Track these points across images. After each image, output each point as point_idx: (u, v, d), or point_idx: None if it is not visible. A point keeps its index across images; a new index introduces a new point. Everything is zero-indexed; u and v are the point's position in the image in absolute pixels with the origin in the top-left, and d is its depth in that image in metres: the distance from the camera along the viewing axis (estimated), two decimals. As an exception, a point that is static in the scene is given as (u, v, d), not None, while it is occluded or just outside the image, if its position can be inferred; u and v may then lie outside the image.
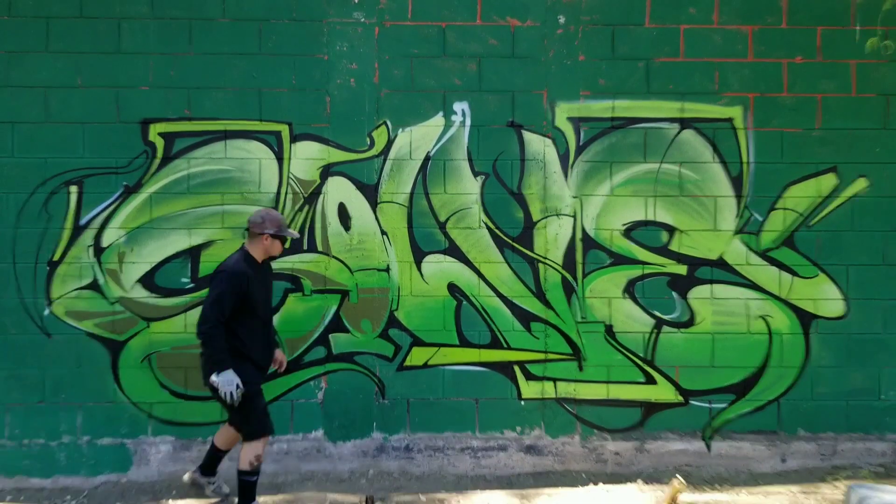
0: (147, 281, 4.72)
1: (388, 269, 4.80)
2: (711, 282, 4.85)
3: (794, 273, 4.86)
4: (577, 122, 4.84)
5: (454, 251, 4.82)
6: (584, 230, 4.85)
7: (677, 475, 4.41)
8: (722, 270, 4.85)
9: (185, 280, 4.74)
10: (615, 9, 4.83)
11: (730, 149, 4.85)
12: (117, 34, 4.70)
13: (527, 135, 4.84)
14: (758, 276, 4.86)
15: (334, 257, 4.80)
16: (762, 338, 4.87)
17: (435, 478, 4.78)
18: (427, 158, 4.81)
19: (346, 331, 4.80)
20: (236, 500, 4.13)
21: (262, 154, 4.75)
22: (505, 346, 4.85)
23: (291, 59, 4.76)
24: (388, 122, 4.80)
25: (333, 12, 4.78)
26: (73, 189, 4.68)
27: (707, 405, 4.86)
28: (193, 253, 4.74)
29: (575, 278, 4.85)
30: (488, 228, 4.83)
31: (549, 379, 4.85)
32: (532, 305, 4.85)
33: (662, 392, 4.85)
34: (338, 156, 4.79)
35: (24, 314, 4.68)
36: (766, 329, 4.87)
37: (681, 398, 4.85)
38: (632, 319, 4.85)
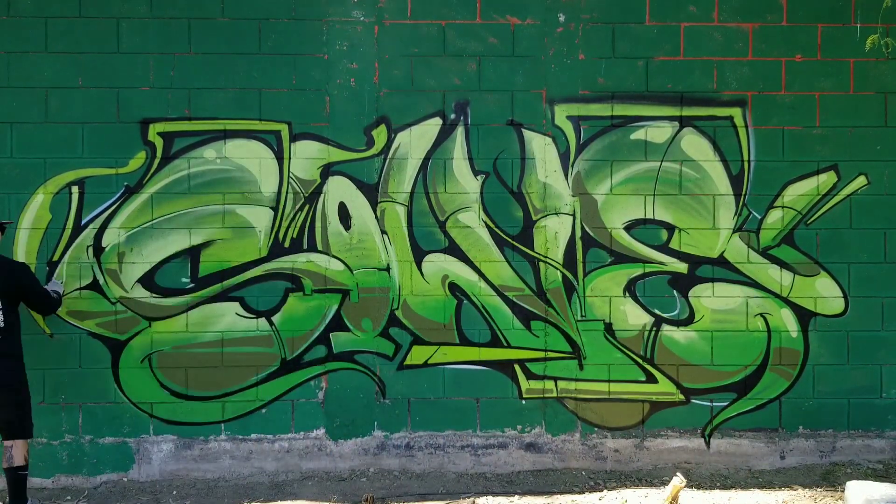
0: (147, 281, 4.73)
1: (388, 269, 4.81)
2: (712, 280, 4.85)
3: (794, 271, 4.87)
4: (576, 120, 4.84)
5: (454, 250, 4.83)
6: (584, 229, 4.86)
7: (678, 473, 4.42)
8: (722, 268, 4.86)
9: (185, 280, 4.74)
10: (615, 7, 4.82)
11: (730, 147, 4.85)
12: (116, 34, 4.70)
13: (527, 133, 4.84)
14: (758, 274, 4.87)
15: (334, 256, 4.80)
16: (762, 336, 4.88)
17: (435, 475, 4.80)
18: (427, 157, 4.81)
19: (347, 330, 4.81)
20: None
21: (262, 154, 4.75)
22: (505, 344, 4.86)
23: (291, 59, 4.76)
24: (388, 122, 4.80)
25: (333, 11, 4.78)
26: (75, 189, 4.68)
27: (709, 403, 4.87)
28: (193, 253, 4.74)
29: (575, 277, 4.86)
30: (488, 227, 4.84)
31: (549, 377, 4.86)
32: (532, 304, 4.85)
33: (664, 390, 4.86)
34: (338, 155, 4.79)
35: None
36: (766, 327, 4.88)
37: (682, 396, 4.86)
38: (632, 318, 4.86)
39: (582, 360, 4.87)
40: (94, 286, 4.70)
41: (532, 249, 4.85)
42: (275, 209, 4.77)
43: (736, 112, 4.84)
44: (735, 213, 4.86)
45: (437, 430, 4.87)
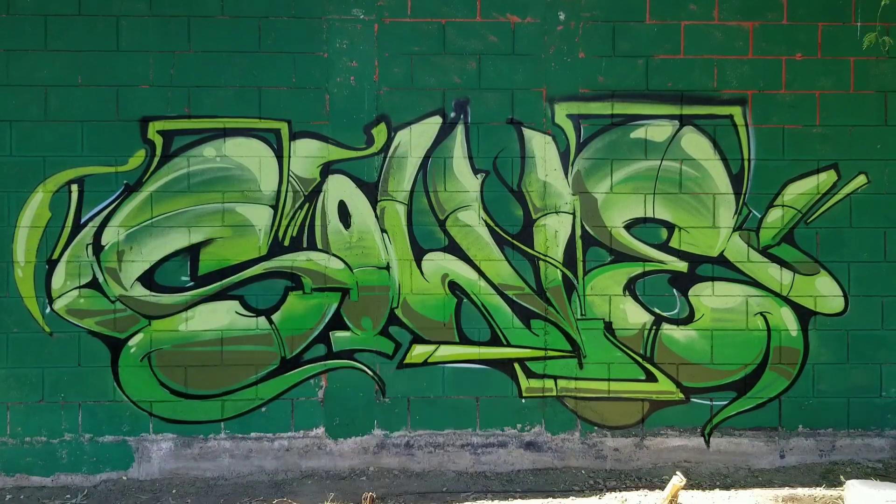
0: (147, 279, 4.72)
1: (388, 267, 4.80)
2: (712, 279, 4.85)
3: (794, 270, 4.87)
4: (577, 119, 4.84)
5: (454, 249, 4.82)
6: (584, 227, 4.85)
7: (678, 472, 4.43)
8: (722, 267, 4.86)
9: (184, 278, 4.74)
10: (615, 5, 4.82)
11: (730, 146, 4.85)
12: (116, 32, 4.70)
13: (527, 132, 4.83)
14: (758, 273, 4.87)
15: (334, 255, 4.80)
16: (762, 334, 4.88)
17: (435, 474, 4.80)
18: (427, 156, 4.80)
19: (347, 328, 4.81)
20: None
21: (261, 152, 4.75)
22: (505, 343, 4.85)
23: (291, 57, 4.75)
24: (388, 120, 4.80)
25: (332, 9, 4.77)
26: (74, 188, 4.68)
27: (708, 402, 4.87)
28: (193, 251, 4.74)
29: (575, 275, 4.86)
30: (488, 226, 4.83)
31: (549, 376, 4.86)
32: (532, 303, 4.85)
33: (663, 389, 4.86)
34: (338, 154, 4.79)
35: (25, 312, 4.69)
36: (766, 326, 4.88)
37: (682, 395, 4.86)
38: (632, 316, 4.86)
39: (582, 358, 4.87)
40: (94, 284, 4.70)
41: (532, 248, 4.85)
42: (274, 207, 4.77)
43: (736, 111, 4.84)
44: (735, 212, 4.86)
45: (436, 428, 4.86)
